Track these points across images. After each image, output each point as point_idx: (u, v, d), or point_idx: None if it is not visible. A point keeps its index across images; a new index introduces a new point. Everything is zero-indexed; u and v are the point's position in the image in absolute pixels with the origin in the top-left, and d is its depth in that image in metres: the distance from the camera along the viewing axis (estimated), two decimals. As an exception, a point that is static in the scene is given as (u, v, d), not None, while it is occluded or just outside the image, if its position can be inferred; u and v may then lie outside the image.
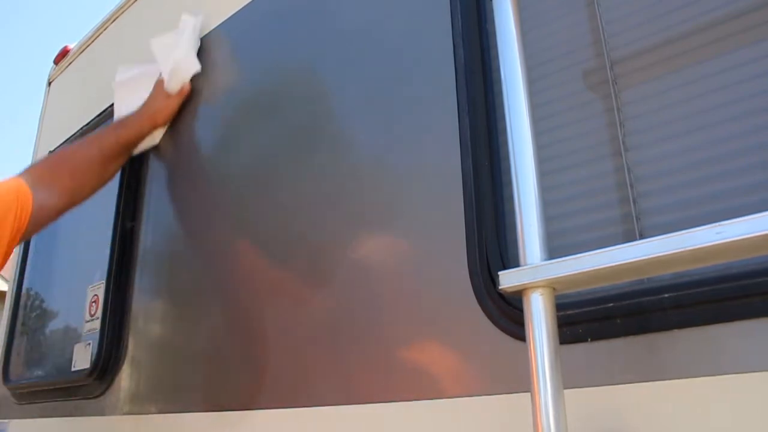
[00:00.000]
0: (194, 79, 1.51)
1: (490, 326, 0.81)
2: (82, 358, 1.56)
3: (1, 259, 1.17)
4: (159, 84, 1.52)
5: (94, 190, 1.45)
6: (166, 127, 1.54)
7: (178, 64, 1.47)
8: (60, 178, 1.36)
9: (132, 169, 1.59)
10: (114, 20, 2.02)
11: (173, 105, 1.49)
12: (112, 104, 1.76)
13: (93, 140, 1.47)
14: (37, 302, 1.94)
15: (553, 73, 0.88)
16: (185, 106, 1.54)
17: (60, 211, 1.36)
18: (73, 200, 1.40)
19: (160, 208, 1.52)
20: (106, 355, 1.47)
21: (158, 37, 1.54)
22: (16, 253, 2.07)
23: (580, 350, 0.72)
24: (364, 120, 1.08)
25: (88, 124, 1.87)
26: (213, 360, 1.22)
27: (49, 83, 2.35)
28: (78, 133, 1.92)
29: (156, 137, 1.55)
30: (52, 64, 2.32)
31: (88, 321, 1.60)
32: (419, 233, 0.93)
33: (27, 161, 2.35)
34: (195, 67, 1.48)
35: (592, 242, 0.78)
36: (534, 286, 0.62)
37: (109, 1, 2.07)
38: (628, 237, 0.75)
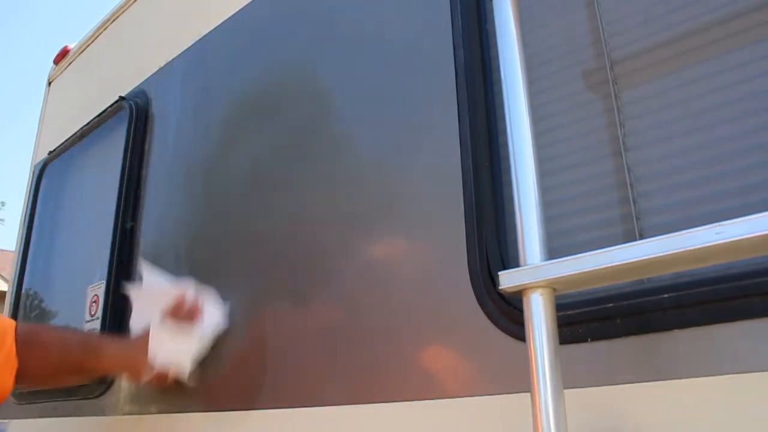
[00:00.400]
0: (197, 79, 1.51)
1: (490, 326, 0.81)
2: (83, 358, 1.56)
3: None
4: (149, 335, 1.23)
5: (45, 386, 1.41)
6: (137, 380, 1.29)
7: (175, 358, 1.21)
8: (26, 363, 1.20)
9: (132, 169, 1.59)
10: (114, 20, 2.02)
11: (147, 374, 1.21)
12: (112, 104, 1.76)
13: (60, 344, 1.29)
14: (37, 302, 1.93)
15: (553, 73, 0.88)
16: (186, 107, 1.54)
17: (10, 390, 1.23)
18: (29, 386, 1.34)
19: (160, 208, 1.52)
20: (106, 355, 1.46)
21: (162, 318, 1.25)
22: (17, 252, 2.07)
23: (580, 350, 0.72)
24: (364, 120, 1.08)
25: (88, 124, 1.87)
26: (212, 360, 1.22)
27: (49, 83, 2.35)
28: (78, 133, 1.91)
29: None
30: (52, 64, 2.32)
31: (88, 321, 1.60)
32: (419, 233, 0.93)
33: (27, 161, 2.35)
34: (185, 370, 1.20)
35: (592, 242, 0.78)
36: (534, 287, 0.62)
37: (109, 1, 2.08)
38: (628, 237, 0.75)
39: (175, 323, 1.23)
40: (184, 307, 1.23)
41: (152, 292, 1.35)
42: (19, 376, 1.19)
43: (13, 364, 1.16)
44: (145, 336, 1.24)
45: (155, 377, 1.21)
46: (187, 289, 1.26)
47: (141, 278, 1.38)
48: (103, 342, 1.34)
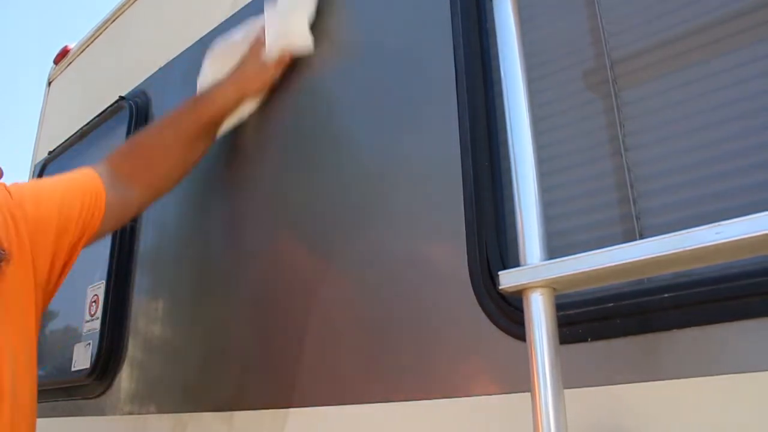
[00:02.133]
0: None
1: (490, 326, 0.81)
2: (82, 358, 1.56)
3: (63, 258, 1.04)
4: (255, 48, 1.24)
5: (176, 179, 1.26)
6: (258, 100, 1.26)
7: (286, 28, 1.19)
8: (137, 169, 1.19)
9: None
10: (114, 20, 2.02)
11: (268, 74, 1.21)
12: (112, 104, 1.76)
13: (169, 122, 1.24)
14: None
15: (553, 73, 0.88)
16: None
17: (142, 206, 1.23)
18: (156, 192, 1.23)
19: (160, 208, 1.52)
20: (106, 355, 1.47)
21: (271, 2, 1.26)
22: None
23: (580, 350, 0.72)
24: (363, 119, 1.08)
25: (88, 124, 1.87)
26: (213, 360, 1.22)
27: (49, 83, 2.35)
28: (78, 133, 1.91)
29: (245, 112, 1.28)
30: (52, 64, 2.32)
31: (88, 321, 1.60)
32: (419, 233, 0.93)
33: (27, 161, 2.35)
34: (306, 39, 1.18)
35: (592, 242, 0.78)
36: (534, 286, 0.62)
37: (109, 1, 2.08)
38: (628, 237, 0.75)
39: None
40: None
41: (230, 48, 1.29)
42: (146, 188, 1.18)
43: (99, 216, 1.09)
44: (244, 55, 1.22)
45: (279, 64, 1.18)
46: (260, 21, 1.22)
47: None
48: (206, 91, 1.26)
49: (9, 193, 1.01)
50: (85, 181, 1.11)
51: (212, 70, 1.32)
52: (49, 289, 1.04)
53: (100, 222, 1.08)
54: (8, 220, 0.96)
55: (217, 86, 1.24)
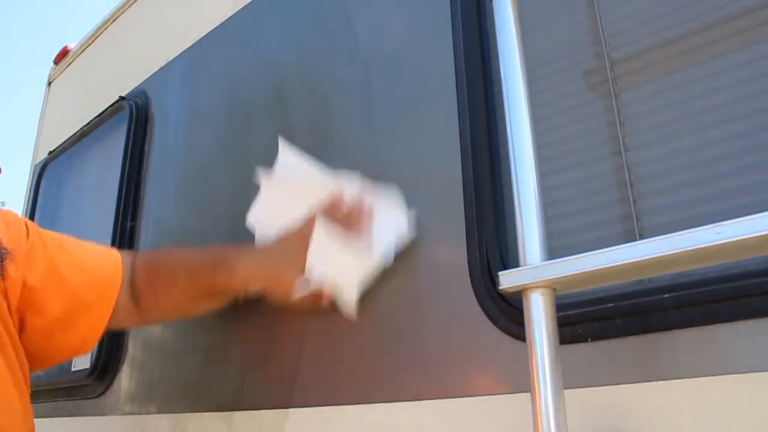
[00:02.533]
0: (195, 81, 1.50)
1: (490, 326, 0.81)
2: (82, 358, 1.56)
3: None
4: (303, 235, 0.96)
5: (170, 319, 1.20)
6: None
7: (344, 268, 0.92)
8: (147, 293, 1.06)
9: (132, 169, 1.59)
10: (114, 20, 2.02)
11: (292, 293, 0.96)
12: (112, 104, 1.76)
13: (185, 267, 1.08)
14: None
15: (553, 73, 0.88)
16: (186, 106, 1.54)
17: (134, 326, 1.15)
18: (149, 322, 1.16)
19: (160, 208, 1.52)
20: (106, 355, 1.47)
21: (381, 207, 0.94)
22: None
23: (580, 350, 0.72)
24: (363, 120, 1.08)
25: (88, 124, 1.87)
26: (213, 360, 1.22)
27: (49, 83, 2.35)
28: (78, 133, 1.91)
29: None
30: (52, 64, 2.32)
31: (88, 321, 1.60)
32: (419, 233, 0.93)
33: (27, 161, 2.35)
34: (350, 303, 0.93)
35: (592, 242, 0.78)
36: (534, 287, 0.62)
37: (109, 1, 2.08)
38: (628, 237, 0.75)
39: (340, 229, 0.92)
40: (346, 208, 0.93)
41: (293, 179, 1.01)
42: (144, 314, 1.07)
43: (106, 319, 1.01)
44: (292, 240, 0.97)
45: (309, 297, 0.94)
46: (349, 183, 0.94)
47: (277, 163, 1.05)
48: (231, 254, 1.05)
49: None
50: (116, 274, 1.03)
51: (275, 209, 1.06)
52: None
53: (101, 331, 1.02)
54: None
55: (245, 260, 1.03)
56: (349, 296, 0.90)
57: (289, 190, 1.02)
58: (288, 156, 1.02)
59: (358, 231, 0.91)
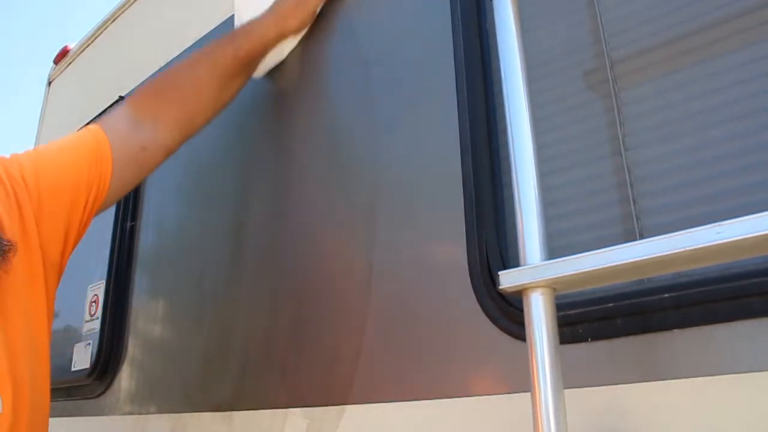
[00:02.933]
0: None
1: (490, 326, 0.81)
2: (82, 358, 1.56)
3: (76, 231, 0.99)
4: None
5: (208, 118, 1.17)
6: (298, 37, 1.20)
7: None
8: (166, 107, 1.09)
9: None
10: (114, 20, 2.02)
11: (309, 7, 1.15)
12: (112, 104, 1.76)
13: (204, 57, 1.14)
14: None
15: (553, 73, 0.88)
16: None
17: (169, 149, 1.12)
18: (185, 132, 1.13)
19: (160, 208, 1.52)
20: (106, 355, 1.47)
21: None
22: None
23: (580, 350, 0.72)
24: (363, 120, 1.08)
25: (87, 124, 1.87)
26: (213, 360, 1.22)
27: (49, 83, 2.35)
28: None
29: (284, 51, 1.22)
30: (52, 64, 2.32)
31: (88, 321, 1.60)
32: (419, 233, 0.93)
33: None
34: None
35: (592, 242, 0.78)
36: (534, 286, 0.62)
37: (109, 1, 2.08)
38: (628, 237, 0.75)
39: None
40: None
41: None
42: (181, 123, 1.09)
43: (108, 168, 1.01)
44: None
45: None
46: None
47: None
48: (242, 26, 1.17)
49: (6, 168, 0.94)
50: (89, 142, 1.02)
51: (247, 6, 1.23)
52: (62, 265, 1.00)
53: (108, 183, 1.01)
54: (12, 203, 0.91)
55: (255, 21, 1.16)
56: None
57: None
58: None
59: None
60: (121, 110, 1.08)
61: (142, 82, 1.14)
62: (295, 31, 1.17)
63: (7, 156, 0.97)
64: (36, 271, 0.94)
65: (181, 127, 1.12)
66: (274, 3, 1.17)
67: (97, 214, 1.03)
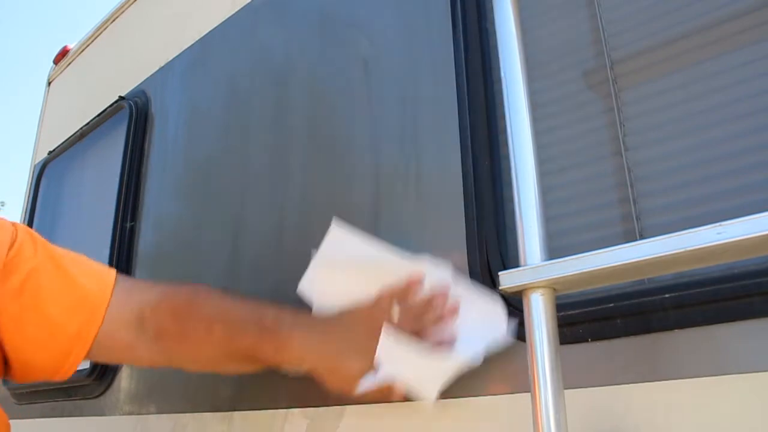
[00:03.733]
0: (195, 82, 1.50)
1: (490, 326, 0.80)
2: (82, 358, 1.56)
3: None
4: (372, 321, 0.83)
5: (200, 369, 1.05)
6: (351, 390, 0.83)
7: (424, 364, 0.78)
8: (171, 336, 0.93)
9: (132, 169, 1.59)
10: (114, 20, 2.02)
11: (353, 384, 0.82)
12: (112, 104, 1.76)
13: (225, 323, 0.92)
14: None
15: (553, 73, 0.88)
16: (185, 106, 1.54)
17: (153, 364, 1.01)
18: (171, 364, 0.98)
19: (160, 208, 1.52)
20: (106, 355, 1.47)
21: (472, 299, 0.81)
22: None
23: (580, 350, 0.72)
24: (363, 120, 1.08)
25: (87, 123, 1.87)
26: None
27: (49, 83, 2.35)
28: (78, 133, 1.91)
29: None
30: (52, 64, 2.32)
31: (88, 321, 1.60)
32: (419, 233, 0.93)
33: (27, 161, 2.35)
34: (431, 393, 0.78)
35: (592, 242, 0.78)
36: (534, 287, 0.62)
37: (109, 1, 2.08)
38: (628, 237, 0.75)
39: (416, 318, 0.80)
40: (426, 294, 0.81)
41: (354, 258, 0.88)
42: (167, 356, 0.95)
43: (85, 346, 0.89)
44: (359, 323, 0.84)
45: (375, 391, 0.80)
46: (433, 266, 0.82)
47: (329, 241, 0.92)
48: (285, 323, 0.88)
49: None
50: (92, 292, 0.90)
51: (323, 266, 0.93)
52: None
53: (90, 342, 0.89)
54: None
55: (298, 338, 0.87)
56: (426, 395, 0.77)
57: (353, 264, 0.89)
58: (344, 234, 0.89)
59: (439, 323, 0.78)
60: (136, 306, 0.93)
61: (166, 295, 0.96)
62: (335, 389, 0.86)
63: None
64: None
65: (172, 359, 0.97)
66: (339, 336, 0.86)
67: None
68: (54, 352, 0.88)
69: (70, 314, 0.88)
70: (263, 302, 0.94)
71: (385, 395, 0.81)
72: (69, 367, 0.89)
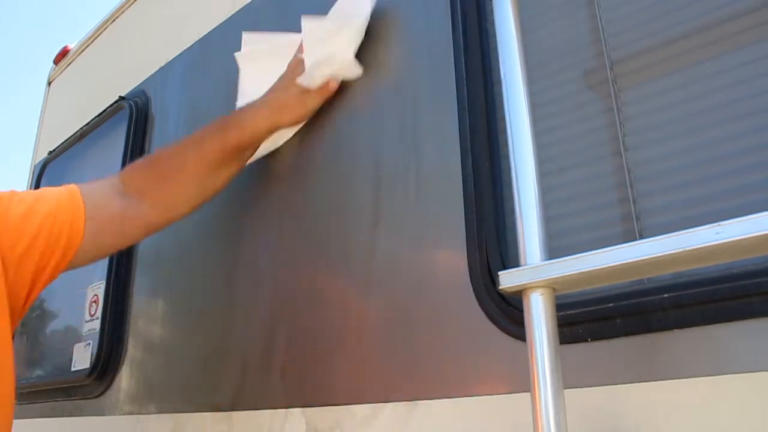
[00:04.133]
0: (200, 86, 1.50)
1: (490, 326, 0.81)
2: (82, 358, 1.56)
3: (42, 282, 0.94)
4: (292, 69, 1.11)
5: (193, 203, 1.14)
6: (295, 129, 1.16)
7: (333, 55, 1.05)
8: (151, 185, 1.08)
9: (132, 169, 1.59)
10: (114, 20, 2.02)
11: (310, 104, 1.10)
12: (112, 104, 1.76)
13: (192, 145, 1.12)
14: (36, 302, 1.93)
15: (553, 73, 0.88)
16: (185, 106, 1.54)
17: (150, 224, 1.10)
18: (169, 212, 1.11)
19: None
20: (106, 355, 1.47)
21: (312, 18, 1.10)
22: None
23: (580, 350, 0.72)
24: (363, 119, 1.08)
25: (88, 123, 1.87)
26: (213, 360, 1.22)
27: (49, 83, 2.35)
28: (78, 133, 1.91)
29: (278, 140, 1.18)
30: (52, 64, 2.32)
31: (88, 321, 1.60)
32: (419, 233, 0.93)
33: (27, 161, 2.35)
34: (353, 67, 1.07)
35: (592, 242, 0.78)
36: (534, 287, 0.62)
37: (109, 1, 2.08)
38: (628, 237, 0.75)
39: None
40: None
41: (264, 56, 1.16)
42: (158, 208, 1.08)
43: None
44: (282, 76, 1.10)
45: (318, 91, 1.06)
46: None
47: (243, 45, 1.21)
48: (234, 113, 1.13)
49: None
50: (63, 196, 0.99)
51: (251, 83, 1.18)
52: (22, 314, 0.96)
53: (78, 241, 0.96)
54: None
55: (249, 110, 1.11)
56: (347, 57, 1.03)
57: (267, 59, 1.15)
58: (252, 37, 1.17)
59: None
60: (110, 178, 1.08)
61: (126, 168, 1.14)
62: (290, 125, 1.13)
63: None
64: (2, 312, 0.89)
65: (165, 207, 1.10)
66: (274, 91, 1.11)
67: (65, 270, 0.98)
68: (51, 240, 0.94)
69: (57, 211, 0.95)
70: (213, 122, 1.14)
71: (326, 91, 1.07)
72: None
